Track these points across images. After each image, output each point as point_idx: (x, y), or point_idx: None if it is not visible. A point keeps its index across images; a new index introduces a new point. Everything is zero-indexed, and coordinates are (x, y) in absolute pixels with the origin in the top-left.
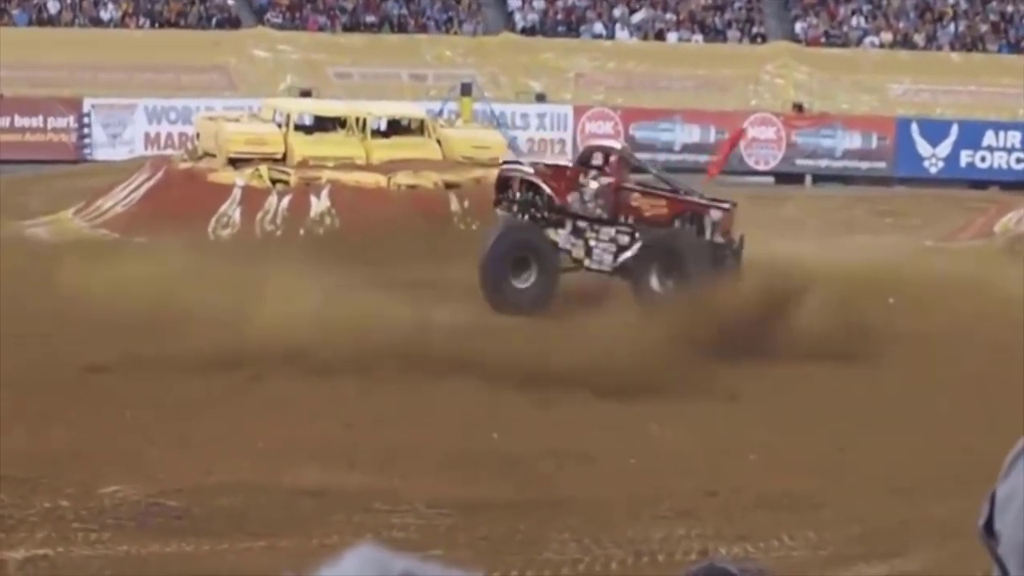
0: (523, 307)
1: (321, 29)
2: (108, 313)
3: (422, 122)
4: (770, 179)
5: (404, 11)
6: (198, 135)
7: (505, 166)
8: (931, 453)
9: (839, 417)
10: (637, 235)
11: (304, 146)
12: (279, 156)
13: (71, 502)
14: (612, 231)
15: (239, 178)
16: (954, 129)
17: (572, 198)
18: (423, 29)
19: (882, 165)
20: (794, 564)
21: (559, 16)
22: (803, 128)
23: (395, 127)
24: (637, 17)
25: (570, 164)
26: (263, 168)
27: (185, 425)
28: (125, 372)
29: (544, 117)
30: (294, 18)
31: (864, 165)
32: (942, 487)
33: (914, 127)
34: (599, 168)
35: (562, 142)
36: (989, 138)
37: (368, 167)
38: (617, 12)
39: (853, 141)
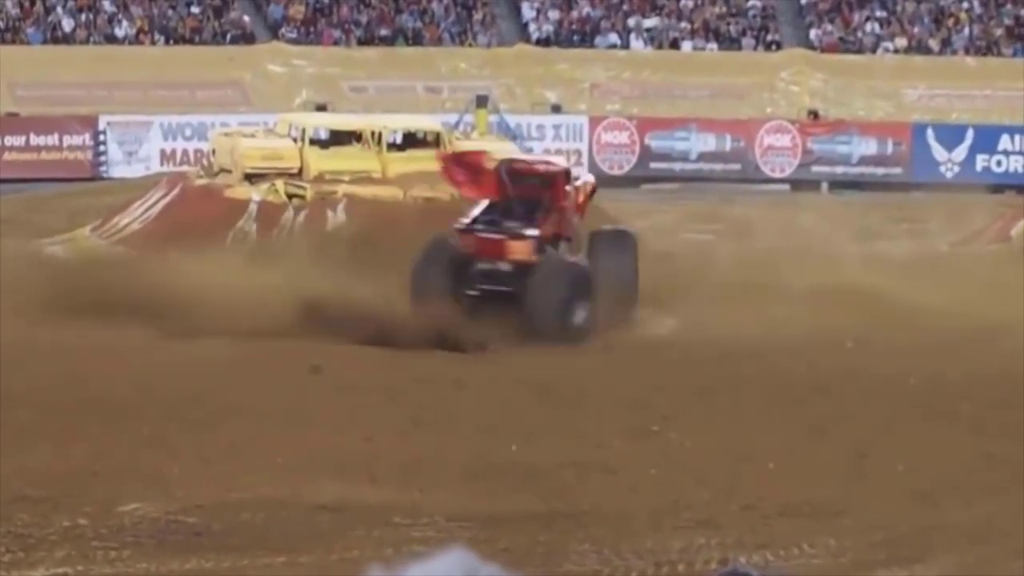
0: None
1: (336, 43)
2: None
3: (438, 135)
4: (786, 186)
5: (419, 24)
6: (214, 151)
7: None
8: (952, 459)
9: (858, 423)
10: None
11: (320, 160)
12: (295, 171)
13: (91, 520)
14: None
15: (255, 193)
16: (970, 133)
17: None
18: (438, 42)
19: (898, 171)
20: (815, 571)
21: (574, 27)
22: (819, 135)
23: (411, 140)
24: (651, 26)
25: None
26: (279, 183)
27: (204, 441)
28: (144, 390)
29: (560, 128)
30: (308, 33)
31: (880, 171)
32: (963, 493)
33: (930, 132)
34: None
35: (578, 153)
36: (1005, 142)
37: (384, 180)
38: (631, 22)
39: (869, 147)
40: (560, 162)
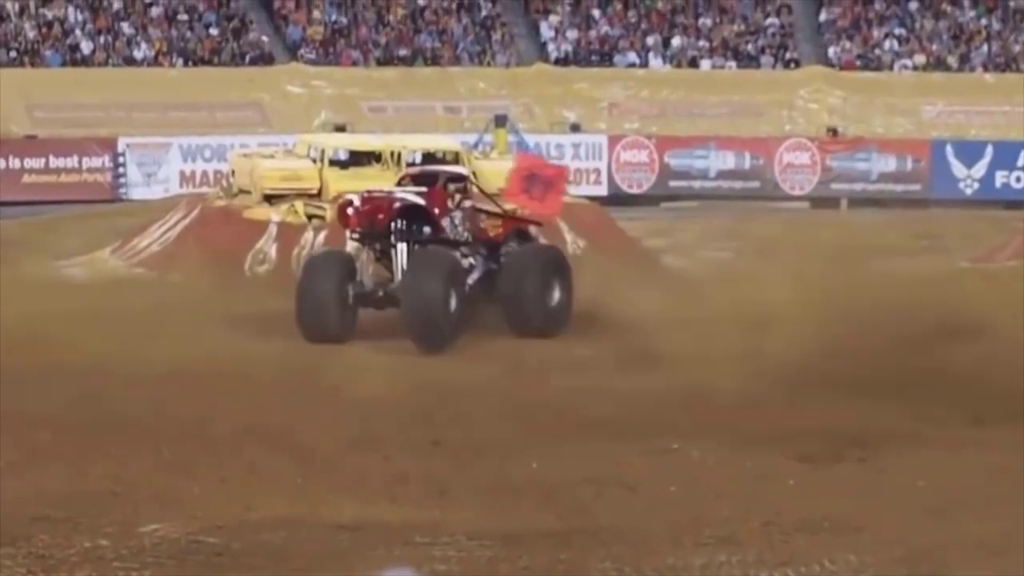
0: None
1: (354, 64)
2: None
3: (457, 155)
4: (805, 204)
5: (437, 44)
6: (233, 172)
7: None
8: (969, 473)
9: (877, 439)
10: (478, 257)
11: (339, 181)
12: (314, 191)
13: (111, 541)
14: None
15: (275, 214)
16: (989, 150)
17: (446, 223)
18: (456, 61)
19: (917, 187)
20: None
21: (592, 46)
22: (838, 152)
23: (430, 160)
24: (670, 45)
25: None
26: (299, 204)
27: (223, 461)
28: (161, 409)
29: (579, 147)
30: (327, 53)
31: (899, 188)
32: (982, 507)
33: (949, 149)
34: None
35: (597, 171)
36: None
37: None
38: (650, 41)
39: (888, 164)
40: (461, 170)
